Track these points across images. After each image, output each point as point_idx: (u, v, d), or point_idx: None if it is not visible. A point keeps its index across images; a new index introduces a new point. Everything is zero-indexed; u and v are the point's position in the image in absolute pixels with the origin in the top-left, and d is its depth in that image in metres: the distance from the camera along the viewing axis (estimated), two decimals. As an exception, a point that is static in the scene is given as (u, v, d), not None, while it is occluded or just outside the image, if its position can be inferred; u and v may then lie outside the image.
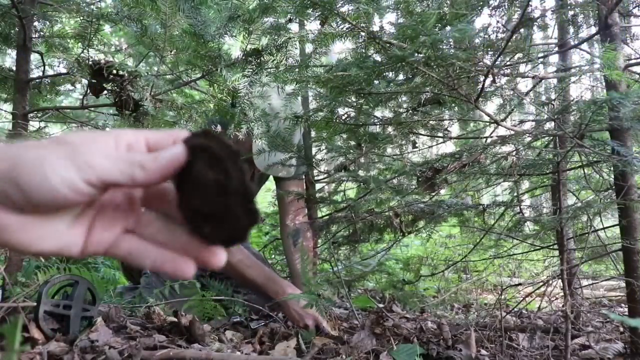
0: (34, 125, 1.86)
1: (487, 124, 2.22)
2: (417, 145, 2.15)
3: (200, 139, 0.41)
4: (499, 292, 1.54)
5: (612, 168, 1.39)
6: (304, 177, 2.16)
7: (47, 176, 0.38)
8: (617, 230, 1.42)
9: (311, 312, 1.61)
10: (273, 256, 2.88)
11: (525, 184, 2.21)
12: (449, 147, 3.13)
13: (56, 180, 0.38)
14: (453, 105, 1.80)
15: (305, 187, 2.15)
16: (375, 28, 1.33)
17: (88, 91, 1.52)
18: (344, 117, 1.66)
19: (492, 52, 1.41)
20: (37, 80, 1.75)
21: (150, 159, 0.40)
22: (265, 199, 3.44)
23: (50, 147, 0.39)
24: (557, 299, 1.61)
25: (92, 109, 1.78)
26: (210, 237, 0.41)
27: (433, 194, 1.84)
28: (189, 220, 0.42)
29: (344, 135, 1.89)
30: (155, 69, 1.61)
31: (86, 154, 0.39)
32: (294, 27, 1.94)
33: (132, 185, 0.41)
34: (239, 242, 0.41)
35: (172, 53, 1.51)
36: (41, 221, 0.40)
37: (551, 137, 1.55)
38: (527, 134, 1.39)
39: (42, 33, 1.68)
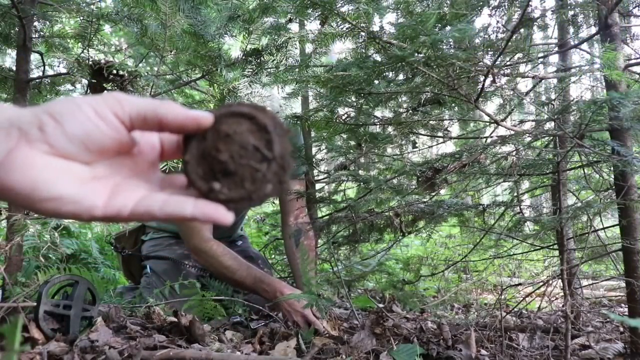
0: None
1: (487, 124, 2.23)
2: (417, 145, 2.16)
3: (246, 108, 0.42)
4: (499, 292, 1.54)
5: (612, 168, 1.39)
6: (303, 176, 2.16)
7: (81, 106, 0.41)
8: (617, 230, 1.42)
9: (301, 309, 1.61)
10: (273, 256, 2.88)
11: (525, 184, 2.21)
12: (449, 147, 3.13)
13: (87, 109, 0.41)
14: (453, 105, 1.81)
15: (305, 187, 2.15)
16: (375, 28, 1.33)
17: (88, 91, 1.52)
18: (344, 117, 1.66)
19: (492, 52, 1.41)
20: (37, 80, 1.75)
21: (175, 106, 0.43)
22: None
23: None
24: (557, 299, 1.61)
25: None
26: (218, 194, 0.41)
27: (433, 194, 1.84)
28: (196, 176, 0.43)
29: (344, 135, 1.89)
30: (156, 69, 1.61)
31: (117, 95, 0.43)
32: (294, 27, 1.94)
33: (153, 123, 0.42)
34: (253, 203, 0.41)
35: (172, 53, 1.51)
36: (66, 165, 0.41)
37: (551, 137, 1.55)
38: (527, 134, 1.39)
39: (42, 33, 1.68)
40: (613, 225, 1.63)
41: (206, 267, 1.92)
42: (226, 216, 0.41)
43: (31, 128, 0.40)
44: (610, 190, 1.61)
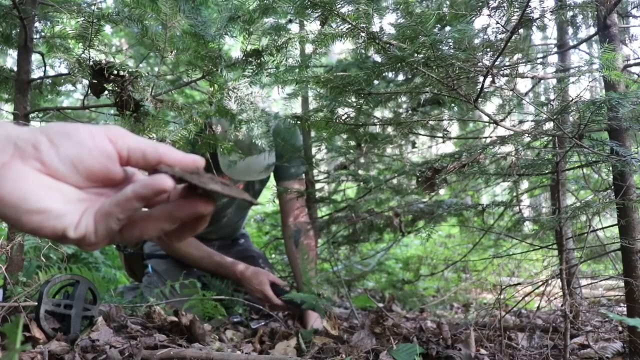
0: (35, 125, 1.86)
1: (487, 124, 2.23)
2: (416, 145, 2.16)
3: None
4: (498, 292, 1.55)
5: (611, 168, 1.39)
6: (303, 176, 2.16)
7: (78, 130, 0.43)
8: (615, 230, 1.43)
9: (260, 287, 1.77)
10: (273, 255, 2.89)
11: (525, 184, 2.21)
12: (449, 147, 3.14)
13: (84, 133, 0.42)
14: (453, 105, 1.81)
15: (305, 187, 2.16)
16: (375, 28, 1.33)
17: (89, 91, 1.52)
18: (344, 117, 1.66)
19: (491, 53, 1.41)
20: (38, 81, 1.75)
21: (174, 150, 0.46)
22: (265, 196, 3.45)
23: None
24: (556, 298, 1.61)
25: (93, 109, 1.79)
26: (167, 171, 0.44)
27: (432, 194, 1.85)
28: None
29: (344, 135, 1.90)
30: (156, 69, 1.61)
31: (122, 129, 0.45)
32: (294, 27, 1.95)
33: (152, 159, 0.44)
34: (193, 182, 0.43)
35: (173, 53, 1.51)
36: (55, 184, 0.42)
37: (550, 137, 1.56)
38: (527, 134, 1.39)
39: (43, 34, 1.69)
40: (612, 225, 1.63)
41: (174, 256, 2.08)
42: (164, 180, 0.41)
43: (26, 146, 0.41)
44: (609, 190, 1.61)
